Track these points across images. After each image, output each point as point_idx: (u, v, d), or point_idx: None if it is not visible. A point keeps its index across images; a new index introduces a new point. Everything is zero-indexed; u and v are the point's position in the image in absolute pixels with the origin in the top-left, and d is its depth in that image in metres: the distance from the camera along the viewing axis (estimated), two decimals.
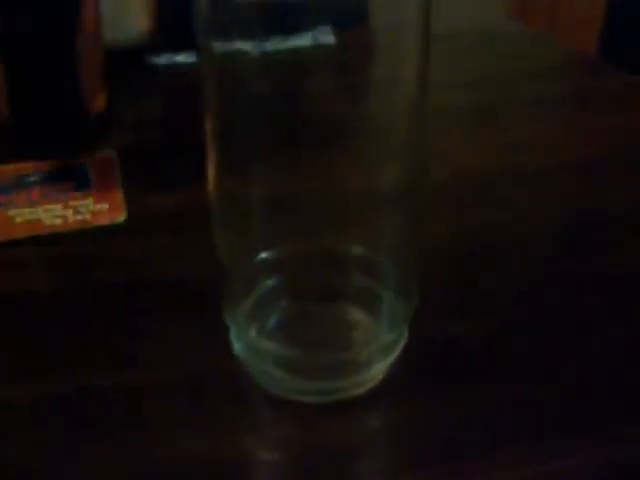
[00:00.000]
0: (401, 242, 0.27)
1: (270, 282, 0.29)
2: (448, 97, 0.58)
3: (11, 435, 0.26)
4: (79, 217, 0.41)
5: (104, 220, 0.40)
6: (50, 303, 0.34)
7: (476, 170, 0.46)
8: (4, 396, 0.28)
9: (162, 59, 0.71)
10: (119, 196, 0.42)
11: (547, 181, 0.45)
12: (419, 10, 0.22)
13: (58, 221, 0.40)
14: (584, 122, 0.55)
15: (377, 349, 0.26)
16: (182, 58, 0.71)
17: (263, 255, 0.28)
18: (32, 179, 0.43)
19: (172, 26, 0.71)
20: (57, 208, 0.41)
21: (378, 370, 0.27)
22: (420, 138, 0.27)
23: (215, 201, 0.26)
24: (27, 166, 0.44)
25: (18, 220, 0.40)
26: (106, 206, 0.41)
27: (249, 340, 0.26)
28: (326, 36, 0.45)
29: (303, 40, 0.51)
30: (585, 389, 0.28)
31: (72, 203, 0.41)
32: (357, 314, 0.29)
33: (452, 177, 0.45)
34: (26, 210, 0.41)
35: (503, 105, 0.59)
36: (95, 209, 0.41)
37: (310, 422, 0.26)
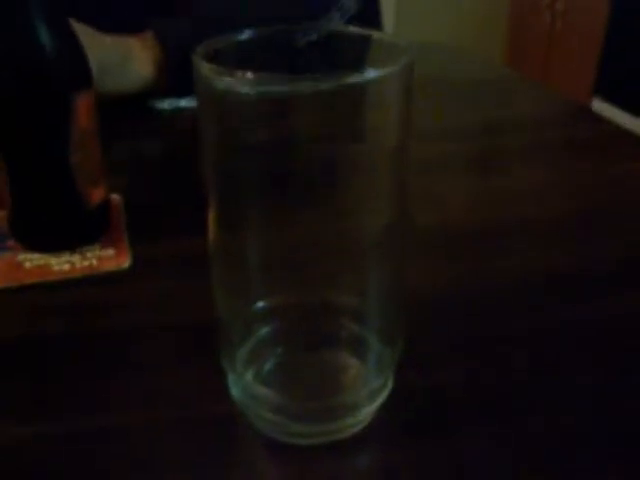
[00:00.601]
0: (385, 291, 0.29)
1: (265, 330, 0.31)
2: (437, 145, 0.61)
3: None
4: (86, 263, 0.43)
5: (110, 266, 0.42)
6: (55, 347, 0.36)
7: (462, 218, 0.48)
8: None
9: (165, 103, 0.74)
10: (125, 242, 0.44)
11: (530, 231, 0.47)
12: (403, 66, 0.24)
13: (66, 267, 0.42)
14: (569, 171, 0.58)
15: (365, 394, 0.28)
16: (185, 102, 0.74)
17: (259, 304, 0.30)
18: None
19: (176, 71, 0.74)
20: (65, 253, 0.43)
21: (365, 414, 0.29)
22: (402, 189, 0.28)
23: (214, 253, 0.28)
24: None
25: (28, 265, 0.43)
26: (112, 252, 0.44)
27: (245, 385, 0.28)
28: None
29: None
30: (568, 436, 0.30)
31: (79, 249, 0.44)
32: (346, 360, 0.31)
33: (439, 225, 0.47)
34: (35, 255, 0.43)
35: (491, 153, 0.62)
36: (102, 255, 0.43)
37: (302, 463, 0.28)
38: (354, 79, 0.22)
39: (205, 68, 0.23)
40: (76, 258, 0.43)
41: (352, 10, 0.81)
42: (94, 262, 0.43)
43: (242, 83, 0.22)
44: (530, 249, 0.44)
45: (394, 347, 0.29)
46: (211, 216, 0.27)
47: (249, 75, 0.21)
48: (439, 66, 0.91)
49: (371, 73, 0.22)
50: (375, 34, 0.27)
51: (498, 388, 0.32)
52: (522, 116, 0.71)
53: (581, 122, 0.70)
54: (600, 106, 2.49)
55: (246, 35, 0.26)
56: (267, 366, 0.30)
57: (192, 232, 0.43)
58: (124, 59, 0.71)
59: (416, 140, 0.55)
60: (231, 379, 0.29)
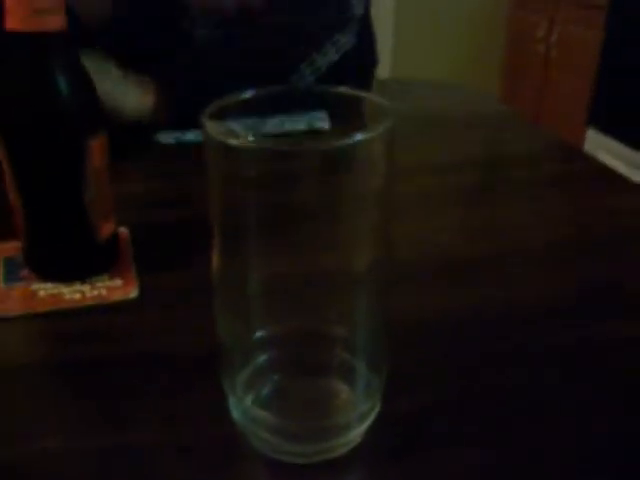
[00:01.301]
0: (372, 322, 0.32)
1: (263, 357, 0.33)
2: (428, 179, 0.64)
3: None
4: (96, 292, 0.46)
5: (118, 295, 0.45)
6: (68, 371, 0.39)
7: (445, 252, 0.51)
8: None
9: (171, 138, 0.77)
10: (132, 273, 0.47)
11: (514, 260, 0.50)
12: (386, 129, 0.27)
13: (77, 296, 0.45)
14: (555, 205, 0.61)
15: (354, 417, 0.31)
16: (191, 137, 0.77)
17: (258, 333, 0.33)
18: None
19: (181, 105, 0.77)
20: (76, 283, 0.46)
21: (355, 435, 0.32)
22: (386, 228, 0.31)
23: (217, 284, 0.31)
24: None
25: (41, 294, 0.46)
26: (120, 282, 0.46)
27: (245, 408, 0.31)
28: (321, 121, 0.51)
29: (299, 124, 0.58)
30: (549, 456, 0.32)
31: (90, 279, 0.47)
32: (337, 386, 0.34)
33: (421, 258, 0.50)
34: (48, 285, 0.46)
35: (481, 187, 0.65)
36: (110, 285, 0.46)
37: (293, 477, 0.31)
38: (342, 142, 0.25)
39: (212, 128, 0.26)
40: (86, 288, 0.46)
41: (347, 46, 0.84)
42: (103, 292, 0.46)
43: (244, 145, 0.25)
44: (513, 278, 0.47)
45: (381, 374, 0.32)
46: (215, 250, 0.30)
47: (250, 139, 0.25)
48: (437, 102, 0.95)
49: (358, 136, 0.25)
50: (363, 95, 0.30)
51: (481, 410, 0.35)
52: (511, 152, 0.74)
53: (567, 159, 0.74)
54: (594, 137, 2.54)
55: (248, 94, 0.29)
56: (265, 391, 0.33)
57: (195, 265, 0.47)
58: (125, 88, 0.74)
59: (409, 174, 0.59)
60: (232, 402, 0.32)
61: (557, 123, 2.75)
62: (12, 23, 0.40)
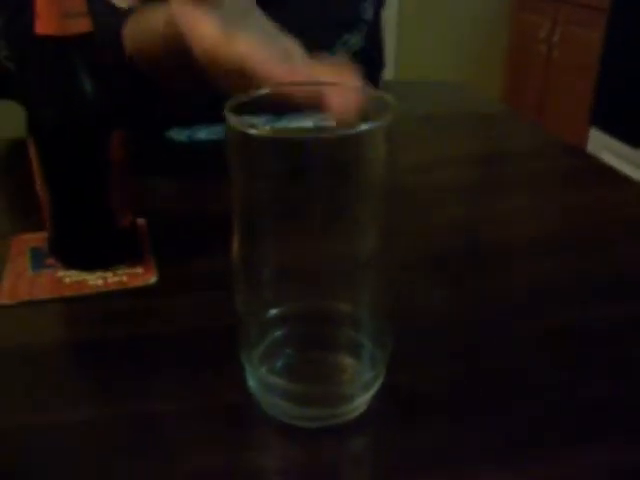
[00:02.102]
0: (376, 301, 0.35)
1: (278, 333, 0.36)
2: (431, 174, 0.67)
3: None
4: (117, 279, 0.49)
5: (138, 282, 0.48)
6: (93, 349, 0.42)
7: (448, 242, 0.54)
8: (62, 418, 0.36)
9: (183, 135, 0.81)
10: (151, 261, 0.50)
11: (513, 252, 0.53)
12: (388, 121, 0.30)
13: (100, 282, 0.48)
14: (554, 200, 0.64)
15: (359, 385, 0.34)
16: (202, 135, 0.80)
17: (273, 311, 0.36)
18: None
19: (191, 105, 0.80)
20: (99, 271, 0.49)
21: (361, 402, 0.35)
22: (385, 218, 0.35)
23: (237, 267, 0.34)
24: None
25: (67, 280, 0.49)
26: (140, 270, 0.50)
27: (261, 376, 0.34)
28: (327, 120, 0.54)
29: (306, 123, 0.62)
30: (535, 424, 0.35)
31: (111, 266, 0.50)
32: (344, 359, 0.37)
33: (424, 247, 0.53)
34: (73, 272, 0.49)
35: (480, 181, 0.68)
36: (131, 272, 0.49)
37: (307, 442, 0.34)
38: (349, 131, 0.28)
39: (234, 119, 0.29)
40: (108, 275, 0.49)
41: (356, 47, 0.87)
42: (124, 278, 0.49)
43: (262, 132, 0.29)
44: (514, 266, 0.51)
45: (384, 348, 0.35)
46: (235, 237, 0.33)
47: (267, 128, 0.28)
48: (439, 102, 0.98)
49: (362, 126, 0.28)
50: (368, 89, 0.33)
51: (478, 384, 0.38)
52: (511, 148, 0.77)
53: (562, 155, 0.77)
54: (597, 136, 2.57)
55: (263, 91, 0.33)
56: (279, 363, 0.36)
57: (209, 254, 0.50)
58: None
59: (412, 169, 0.62)
60: (248, 372, 0.35)
61: (560, 123, 2.77)
62: (42, 27, 0.43)
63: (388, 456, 0.33)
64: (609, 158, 2.45)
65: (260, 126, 0.30)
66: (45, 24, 0.43)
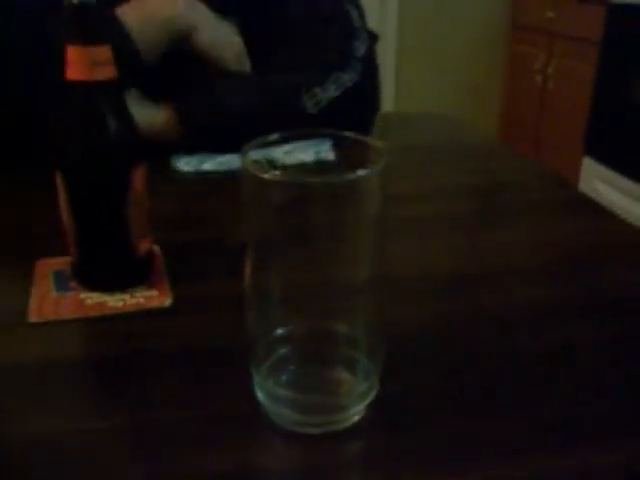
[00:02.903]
0: (370, 323, 0.40)
1: (283, 350, 0.41)
2: (417, 205, 0.72)
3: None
4: (135, 301, 0.53)
5: (154, 303, 0.53)
6: (113, 364, 0.47)
7: (437, 267, 0.59)
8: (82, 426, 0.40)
9: (188, 166, 0.86)
10: (166, 284, 0.55)
11: (497, 276, 0.58)
12: (381, 166, 0.35)
13: (120, 303, 0.53)
14: (536, 228, 0.69)
15: (355, 396, 0.39)
16: (208, 166, 0.85)
17: (279, 331, 0.40)
18: None
19: (199, 128, 0.86)
20: (118, 293, 0.54)
21: (356, 411, 0.39)
22: (381, 248, 0.39)
23: (248, 292, 0.39)
24: None
25: (89, 302, 0.53)
26: (156, 292, 0.54)
27: (268, 388, 0.39)
28: (327, 152, 0.59)
29: (308, 154, 0.67)
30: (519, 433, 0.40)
31: (130, 289, 0.54)
32: (342, 373, 0.41)
33: (415, 273, 0.58)
34: (94, 294, 0.54)
35: (466, 213, 0.73)
36: (147, 295, 0.54)
37: (309, 446, 0.38)
38: (347, 178, 0.33)
39: (248, 163, 0.34)
40: (127, 297, 0.54)
41: (349, 83, 0.93)
42: (141, 300, 0.53)
43: (272, 177, 0.34)
44: (497, 288, 0.55)
45: (378, 363, 0.40)
46: (248, 263, 0.38)
47: (278, 174, 0.33)
48: (431, 134, 1.04)
49: (360, 172, 0.33)
50: (362, 138, 0.38)
51: (461, 394, 0.42)
52: (496, 179, 0.82)
53: (548, 187, 0.82)
54: (590, 166, 2.62)
55: (272, 137, 0.38)
56: (284, 377, 0.40)
57: (219, 278, 0.55)
58: (140, 105, 0.84)
59: (402, 201, 0.67)
60: (256, 384, 0.40)
61: (555, 152, 2.84)
62: (73, 74, 0.48)
63: (382, 459, 0.38)
64: (602, 187, 2.51)
65: (271, 171, 0.35)
66: (75, 71, 0.49)
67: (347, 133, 0.38)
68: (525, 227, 0.69)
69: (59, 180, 0.51)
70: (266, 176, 0.33)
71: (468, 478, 0.36)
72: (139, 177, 0.52)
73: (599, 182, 2.54)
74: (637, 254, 0.63)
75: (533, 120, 3.03)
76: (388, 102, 3.02)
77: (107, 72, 0.49)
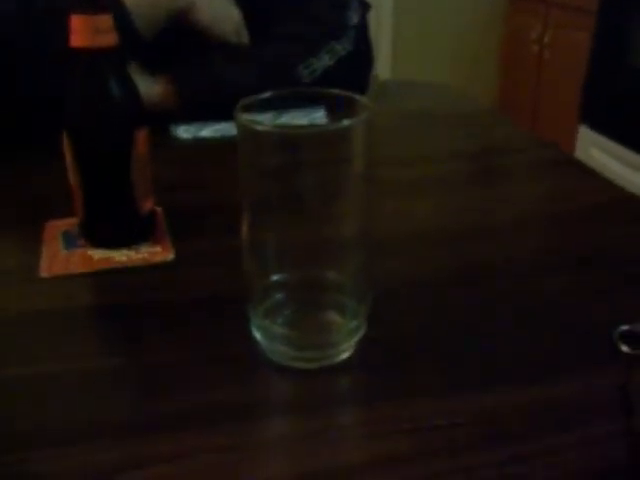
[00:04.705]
0: (358, 270, 0.43)
1: (279, 295, 0.44)
2: (415, 168, 0.75)
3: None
4: (140, 256, 0.57)
5: (158, 258, 0.56)
6: (119, 312, 0.50)
7: (431, 223, 0.63)
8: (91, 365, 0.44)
9: (187, 133, 0.88)
10: (168, 241, 0.58)
11: (483, 231, 0.61)
12: (365, 118, 0.38)
13: (125, 258, 0.56)
14: (526, 188, 0.72)
15: (344, 333, 0.42)
16: (205, 133, 0.88)
17: (274, 277, 0.44)
18: None
19: (196, 99, 0.89)
20: (124, 249, 0.57)
21: (346, 348, 0.43)
22: (366, 204, 0.43)
23: (245, 243, 0.42)
24: None
25: (96, 257, 0.57)
26: (159, 248, 0.57)
27: (265, 327, 0.42)
28: (320, 118, 0.62)
29: (302, 120, 0.71)
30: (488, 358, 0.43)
31: (134, 245, 0.58)
32: (332, 316, 0.45)
33: (407, 228, 0.61)
34: (101, 250, 0.57)
35: (460, 175, 0.76)
36: (151, 250, 0.57)
37: (302, 380, 0.42)
38: (335, 126, 0.36)
39: (243, 118, 0.37)
40: (132, 252, 0.57)
41: (342, 52, 0.95)
42: (146, 255, 0.57)
43: (265, 128, 0.37)
44: (481, 242, 0.58)
45: (365, 305, 0.43)
46: (245, 218, 0.41)
47: (268, 124, 0.36)
48: (428, 102, 1.06)
49: (346, 121, 0.36)
50: (351, 95, 0.41)
51: (444, 337, 0.46)
52: (489, 144, 0.85)
53: (539, 150, 0.85)
54: (586, 134, 2.64)
55: (267, 94, 0.41)
56: (279, 319, 0.44)
57: (217, 235, 0.58)
58: (138, 76, 0.86)
59: (399, 163, 0.71)
60: (254, 325, 0.43)
61: (552, 121, 2.86)
62: (77, 41, 0.51)
63: (369, 391, 0.41)
64: (597, 154, 2.53)
65: (265, 123, 0.38)
66: (79, 38, 0.51)
67: (335, 91, 0.41)
68: (514, 186, 0.72)
69: (66, 143, 0.54)
70: (259, 128, 0.36)
71: (450, 405, 0.40)
72: (142, 139, 0.55)
73: (595, 150, 2.56)
74: (620, 210, 0.66)
75: (529, 89, 3.03)
76: (385, 70, 3.03)
77: (109, 39, 0.52)
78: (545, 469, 0.36)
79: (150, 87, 0.88)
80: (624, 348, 0.44)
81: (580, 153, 2.63)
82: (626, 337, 0.44)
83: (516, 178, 0.76)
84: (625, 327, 0.45)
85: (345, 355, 0.43)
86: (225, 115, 0.88)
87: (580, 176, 0.75)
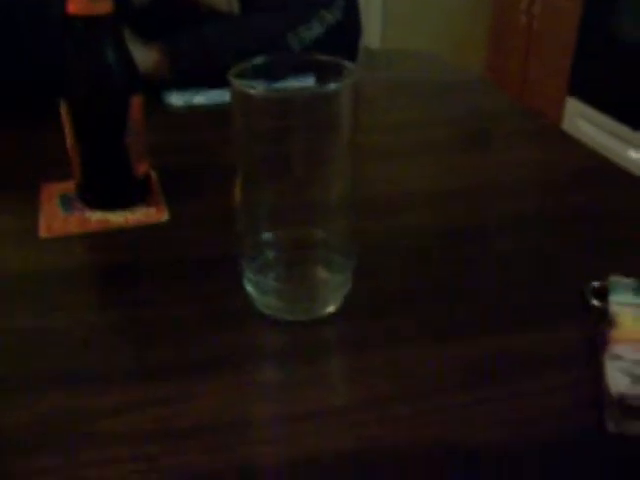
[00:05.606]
0: (344, 228, 0.46)
1: (270, 253, 0.47)
2: (402, 134, 0.77)
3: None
4: (135, 217, 0.59)
5: (153, 219, 0.59)
6: (116, 270, 0.53)
7: (423, 185, 0.65)
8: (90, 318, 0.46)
9: (179, 100, 0.90)
10: (162, 203, 0.61)
11: (469, 192, 0.64)
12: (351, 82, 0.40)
13: (121, 219, 0.58)
14: (510, 153, 0.74)
15: (331, 287, 0.45)
16: (197, 100, 0.90)
17: (266, 235, 0.46)
18: None
19: (188, 68, 0.90)
20: (120, 211, 0.59)
21: (333, 300, 0.45)
22: (351, 167, 0.45)
23: (239, 203, 0.44)
24: None
25: (94, 219, 0.59)
26: (153, 210, 0.60)
27: (257, 281, 0.45)
28: (310, 83, 0.64)
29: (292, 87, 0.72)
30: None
31: (130, 207, 0.60)
32: (320, 271, 0.47)
33: (399, 189, 0.64)
34: (98, 212, 0.59)
35: (448, 140, 0.79)
36: (146, 212, 0.59)
37: (291, 331, 0.44)
38: (324, 89, 0.38)
39: (236, 83, 0.39)
40: (128, 214, 0.59)
41: (332, 21, 0.97)
42: (141, 217, 0.59)
43: (257, 92, 0.39)
44: (466, 202, 0.61)
45: (351, 261, 0.46)
46: (238, 180, 0.44)
47: (261, 88, 0.38)
48: (416, 71, 1.08)
49: (332, 86, 0.38)
50: (339, 61, 0.43)
51: (424, 288, 0.49)
52: (471, 112, 0.88)
53: (524, 118, 0.87)
54: (574, 105, 2.66)
55: (258, 60, 0.43)
56: (271, 274, 0.46)
57: (210, 198, 0.60)
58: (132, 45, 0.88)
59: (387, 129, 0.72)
60: (247, 280, 0.46)
61: (540, 92, 2.87)
62: (73, 8, 0.53)
63: (356, 339, 0.44)
64: (585, 126, 2.55)
65: (257, 88, 0.40)
66: (76, 5, 0.53)
67: (325, 56, 0.43)
68: (499, 153, 0.75)
69: (64, 109, 0.56)
70: (252, 91, 0.38)
71: (436, 350, 0.43)
72: (137, 104, 0.57)
73: (582, 121, 2.58)
74: (598, 176, 0.69)
75: (518, 61, 3.04)
76: (375, 40, 3.03)
77: (105, 6, 0.54)
78: (509, 412, 0.39)
79: (143, 55, 0.89)
80: (594, 302, 0.47)
81: (567, 124, 2.65)
82: (597, 292, 0.47)
83: (501, 144, 0.78)
84: (596, 283, 0.48)
85: (332, 308, 0.46)
86: (216, 82, 0.91)
87: (563, 144, 0.78)
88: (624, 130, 2.36)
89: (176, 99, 0.90)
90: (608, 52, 2.42)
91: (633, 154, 2.28)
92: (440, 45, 2.99)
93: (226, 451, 0.36)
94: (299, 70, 0.45)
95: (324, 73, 0.44)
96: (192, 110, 0.87)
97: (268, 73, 0.43)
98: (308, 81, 0.59)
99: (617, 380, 0.38)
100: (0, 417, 0.38)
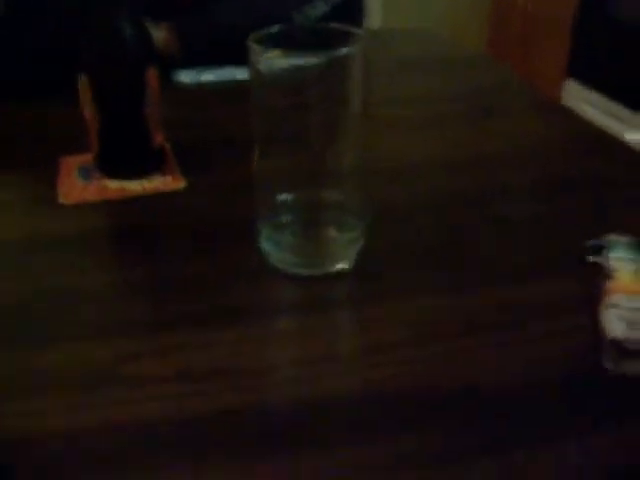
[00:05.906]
0: (357, 192, 0.48)
1: (285, 216, 0.49)
2: (405, 108, 0.80)
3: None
4: (152, 185, 0.61)
5: (170, 187, 0.61)
6: (135, 234, 0.55)
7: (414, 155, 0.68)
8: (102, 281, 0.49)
9: (188, 77, 0.92)
10: (178, 172, 0.63)
11: (469, 161, 0.66)
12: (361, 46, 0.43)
13: (139, 188, 0.61)
14: (504, 125, 0.77)
15: (344, 243, 0.48)
16: (205, 77, 0.92)
17: (281, 197, 0.48)
18: None
19: (196, 47, 0.92)
20: (137, 179, 0.62)
21: (345, 256, 0.48)
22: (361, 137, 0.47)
23: (256, 173, 0.47)
24: None
25: (112, 187, 0.61)
26: (170, 178, 0.62)
27: (273, 237, 0.47)
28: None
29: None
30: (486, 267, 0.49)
31: (147, 176, 0.62)
32: (333, 232, 0.50)
33: (404, 158, 0.66)
34: (116, 181, 0.62)
35: (449, 114, 0.81)
36: (163, 180, 0.62)
37: (305, 285, 0.47)
38: (337, 53, 0.41)
39: (255, 48, 0.42)
40: (145, 182, 0.62)
41: (337, 0, 0.99)
42: (158, 184, 0.61)
43: (275, 58, 0.41)
44: (470, 172, 0.64)
45: (363, 220, 0.48)
46: (256, 149, 0.46)
47: (278, 53, 0.41)
48: (416, 49, 1.10)
49: (344, 50, 0.41)
50: (346, 29, 0.45)
51: (439, 247, 0.51)
52: (463, 87, 0.90)
53: (524, 93, 0.89)
54: (573, 87, 2.68)
55: (275, 29, 0.45)
56: (287, 230, 0.49)
57: (222, 168, 0.62)
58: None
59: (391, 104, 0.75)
60: (263, 236, 0.48)
61: (539, 74, 2.88)
62: None
63: (368, 293, 0.47)
64: (584, 108, 2.57)
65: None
66: None
67: (336, 25, 0.45)
68: (502, 124, 0.77)
69: (83, 82, 0.58)
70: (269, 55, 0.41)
71: (449, 300, 0.46)
72: (153, 75, 0.59)
73: (581, 103, 2.60)
74: (595, 146, 0.71)
75: (517, 43, 3.06)
76: (375, 18, 3.04)
77: None
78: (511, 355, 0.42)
79: (152, 34, 0.91)
80: (591, 258, 0.49)
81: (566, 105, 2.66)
82: (593, 249, 0.50)
83: (504, 117, 0.80)
84: (593, 241, 0.51)
85: (346, 263, 0.48)
86: (224, 60, 0.93)
87: (563, 117, 0.80)
88: (624, 112, 2.37)
89: (185, 77, 0.92)
90: (607, 33, 2.43)
91: (633, 135, 2.30)
92: (439, 26, 2.99)
93: (244, 392, 0.39)
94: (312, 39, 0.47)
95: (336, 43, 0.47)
96: (201, 87, 0.89)
97: (284, 42, 0.46)
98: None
99: (614, 325, 0.41)
100: (38, 360, 0.41)
